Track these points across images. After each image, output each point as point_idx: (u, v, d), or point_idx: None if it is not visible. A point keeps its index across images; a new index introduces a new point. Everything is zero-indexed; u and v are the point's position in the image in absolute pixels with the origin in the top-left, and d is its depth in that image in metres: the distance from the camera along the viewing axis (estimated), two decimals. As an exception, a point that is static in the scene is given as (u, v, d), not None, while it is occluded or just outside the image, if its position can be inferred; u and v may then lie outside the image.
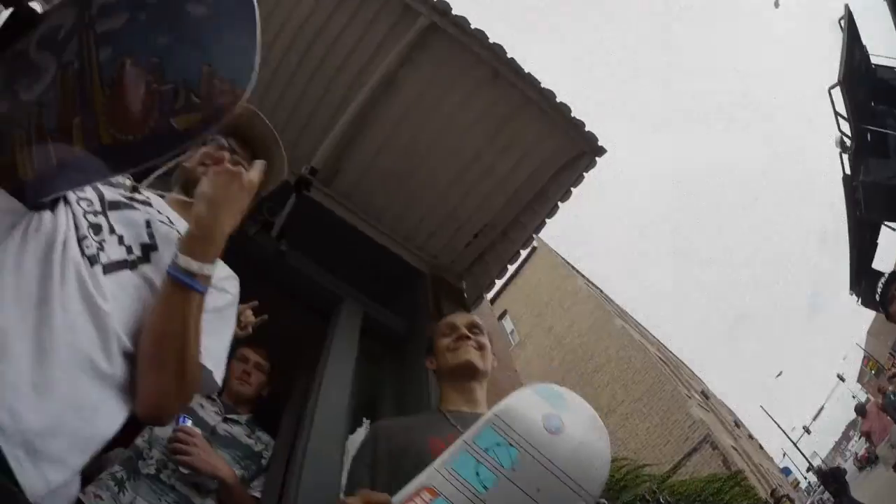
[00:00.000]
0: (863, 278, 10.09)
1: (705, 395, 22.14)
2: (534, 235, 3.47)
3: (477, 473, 1.18)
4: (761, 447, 29.54)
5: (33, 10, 0.84)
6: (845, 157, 8.65)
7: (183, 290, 0.93)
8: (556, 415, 1.26)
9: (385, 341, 3.02)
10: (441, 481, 1.16)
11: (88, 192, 0.99)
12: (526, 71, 2.88)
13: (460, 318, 1.89)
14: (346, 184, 3.18)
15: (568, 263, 20.64)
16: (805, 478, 33.14)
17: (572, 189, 3.25)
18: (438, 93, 2.97)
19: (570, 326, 19.97)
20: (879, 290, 3.44)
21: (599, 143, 3.11)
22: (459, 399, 1.74)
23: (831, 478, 13.78)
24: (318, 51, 2.98)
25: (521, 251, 3.51)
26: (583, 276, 21.92)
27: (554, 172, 3.23)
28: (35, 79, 0.83)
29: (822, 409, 44.79)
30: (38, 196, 0.87)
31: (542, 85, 2.93)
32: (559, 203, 3.30)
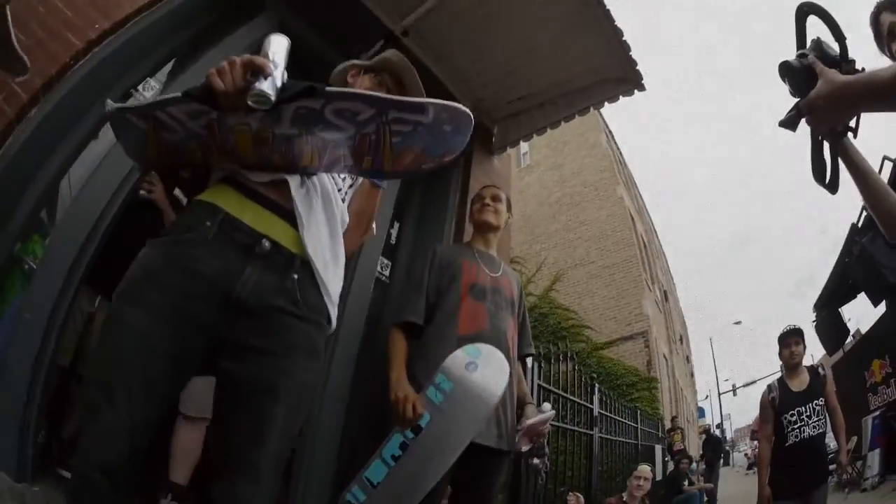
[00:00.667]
0: (825, 309, 10.16)
1: (666, 295, 22.61)
2: (563, 122, 4.25)
3: (435, 395, 2.28)
4: (692, 374, 30.07)
5: (314, 87, 1.34)
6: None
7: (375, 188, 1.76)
8: (473, 361, 2.30)
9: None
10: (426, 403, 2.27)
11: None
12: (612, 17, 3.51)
13: (487, 191, 2.94)
14: (428, 26, 3.68)
15: (601, 117, 20.13)
16: (712, 429, 33.39)
17: (606, 102, 4.02)
18: None
19: (577, 173, 20.17)
20: (784, 331, 4.28)
21: (643, 81, 3.82)
22: (480, 242, 2.87)
23: (710, 444, 14.17)
24: None
25: (549, 128, 4.30)
26: (610, 134, 21.63)
27: (599, 80, 3.95)
28: (330, 129, 1.40)
29: (755, 382, 43.48)
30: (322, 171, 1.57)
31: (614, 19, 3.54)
32: (591, 108, 4.10)
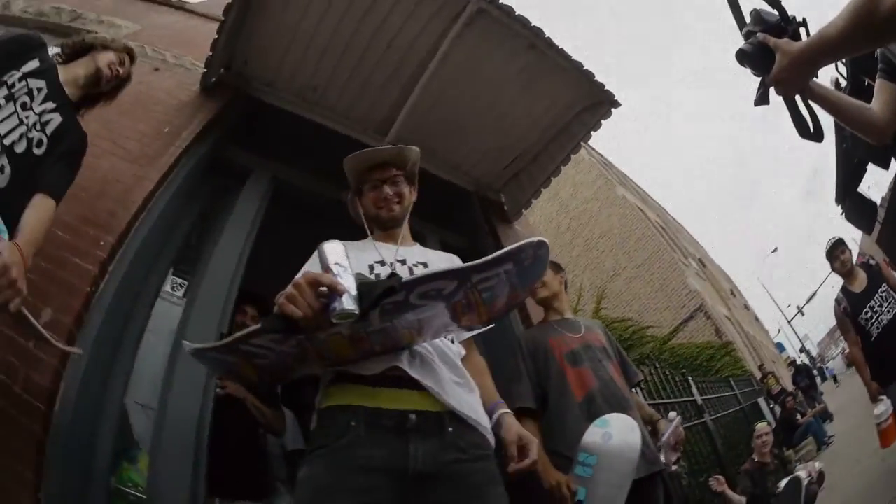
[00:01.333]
0: (846, 197, 10.36)
1: (702, 262, 22.34)
2: (561, 170, 4.37)
3: (583, 471, 2.32)
4: (757, 319, 29.58)
5: (393, 285, 1.36)
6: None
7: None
8: (606, 431, 2.37)
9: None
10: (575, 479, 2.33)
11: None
12: (556, 42, 3.59)
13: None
14: (407, 132, 3.85)
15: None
16: (798, 358, 32.33)
17: (592, 132, 4.10)
18: (482, 57, 3.65)
19: (573, 194, 20.41)
20: (828, 247, 4.49)
21: (615, 98, 3.92)
22: (553, 314, 2.97)
23: (800, 374, 14.41)
24: (381, 31, 3.56)
25: (552, 177, 4.41)
26: (586, 144, 21.68)
27: (576, 114, 4.04)
28: (420, 310, 1.44)
29: (814, 294, 43.45)
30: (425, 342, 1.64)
31: (569, 54, 3.66)
32: (582, 143, 4.19)
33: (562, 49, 3.65)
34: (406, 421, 1.50)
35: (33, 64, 2.02)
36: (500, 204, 4.65)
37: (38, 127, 1.98)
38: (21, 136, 1.90)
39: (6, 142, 1.84)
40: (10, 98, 1.89)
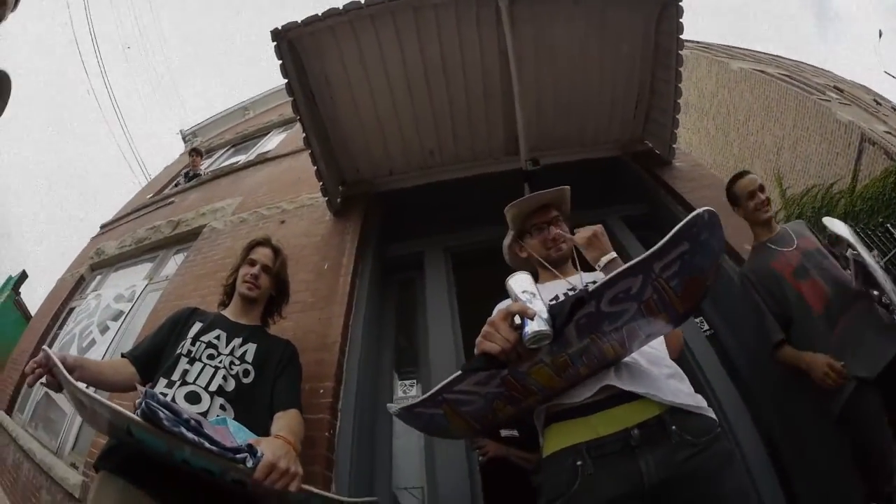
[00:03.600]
0: None
1: (838, 88, 20.66)
2: (680, 87, 4.00)
3: None
4: None
5: (580, 297, 1.33)
6: None
7: None
8: None
9: (644, 229, 3.91)
10: None
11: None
12: None
13: (749, 184, 2.95)
14: (534, 138, 3.81)
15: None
16: None
17: (681, 38, 3.76)
18: (545, 35, 3.56)
19: (700, 94, 19.44)
20: None
21: None
22: (765, 233, 2.91)
23: None
24: (447, 68, 3.58)
25: (678, 100, 4.06)
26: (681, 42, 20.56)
27: (654, 31, 3.81)
28: (616, 318, 1.38)
29: None
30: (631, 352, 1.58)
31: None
32: (680, 52, 3.83)
33: None
34: (629, 438, 1.46)
35: (196, 327, 2.23)
36: (651, 151, 4.39)
37: (236, 363, 2.15)
38: (225, 377, 2.07)
39: (212, 388, 2.02)
40: (192, 360, 2.09)
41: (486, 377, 1.43)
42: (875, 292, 2.44)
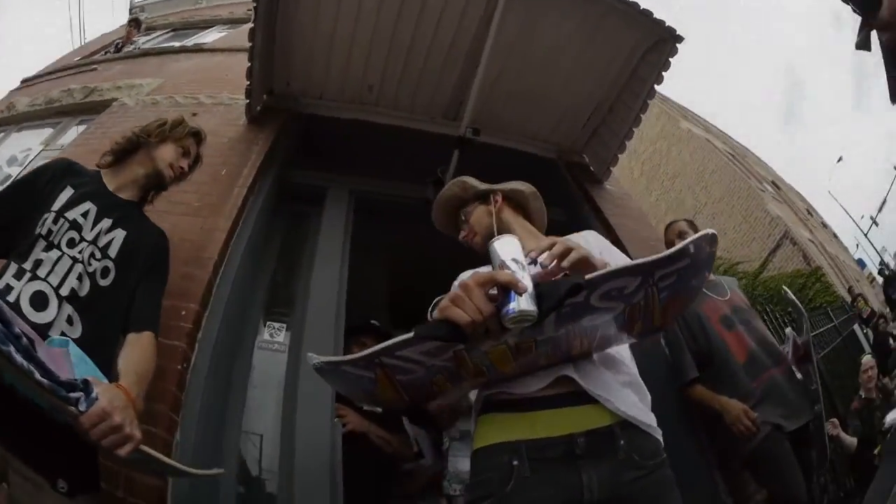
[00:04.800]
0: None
1: (776, 185, 21.64)
2: (641, 116, 3.99)
3: None
4: (835, 236, 28.84)
5: (579, 283, 1.16)
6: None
7: None
8: None
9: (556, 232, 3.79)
10: None
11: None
12: None
13: (676, 227, 3.10)
14: (476, 112, 3.55)
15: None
16: (879, 271, 31.56)
17: (663, 73, 3.73)
18: (536, 20, 3.39)
19: (640, 137, 19.23)
20: None
21: (677, 33, 3.56)
22: None
23: (890, 286, 13.80)
24: (424, 12, 3.32)
25: (633, 128, 4.04)
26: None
27: (641, 57, 3.72)
28: (598, 313, 1.26)
29: (885, 200, 42.30)
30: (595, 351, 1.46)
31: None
32: (655, 86, 3.79)
33: None
34: (574, 446, 1.32)
35: (66, 194, 1.79)
36: (586, 166, 4.31)
37: (97, 256, 1.75)
38: (80, 277, 1.67)
39: (63, 292, 1.62)
40: (50, 246, 1.67)
41: (438, 348, 1.24)
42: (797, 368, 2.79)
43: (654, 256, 1.19)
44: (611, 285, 1.20)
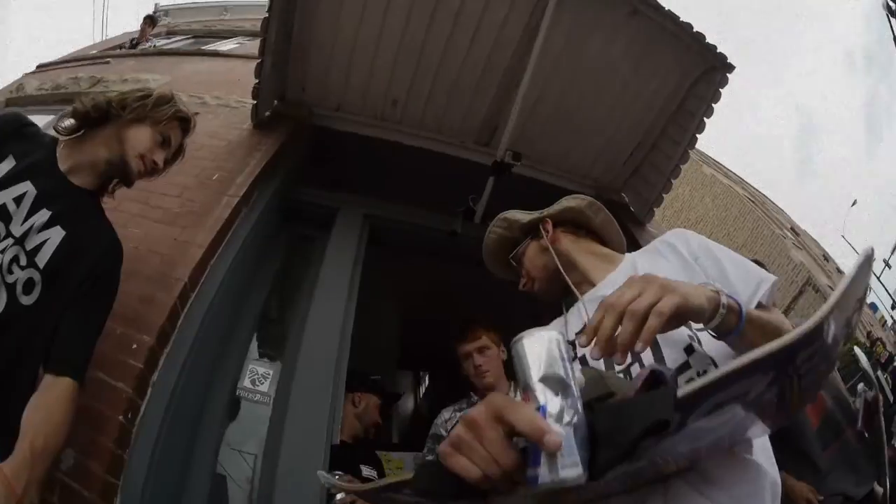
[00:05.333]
0: None
1: (795, 231, 21.42)
2: (689, 153, 3.65)
3: None
4: None
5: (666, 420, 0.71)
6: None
7: None
8: None
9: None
10: None
11: None
12: (660, 2, 2.97)
13: None
14: (512, 139, 3.19)
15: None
16: (891, 315, 31.10)
17: (713, 105, 3.41)
18: (582, 39, 3.06)
19: None
20: None
21: (728, 61, 3.25)
22: None
23: None
24: (458, 23, 3.00)
25: (680, 165, 3.70)
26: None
27: (689, 86, 3.40)
28: (696, 435, 0.84)
29: None
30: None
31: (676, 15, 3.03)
32: (704, 119, 3.46)
33: (668, 10, 3.02)
34: None
35: (4, 166, 1.39)
36: (626, 206, 3.93)
37: (21, 262, 1.33)
38: None
39: None
40: None
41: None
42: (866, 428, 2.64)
43: (797, 334, 0.71)
44: (724, 396, 0.74)
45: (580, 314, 1.37)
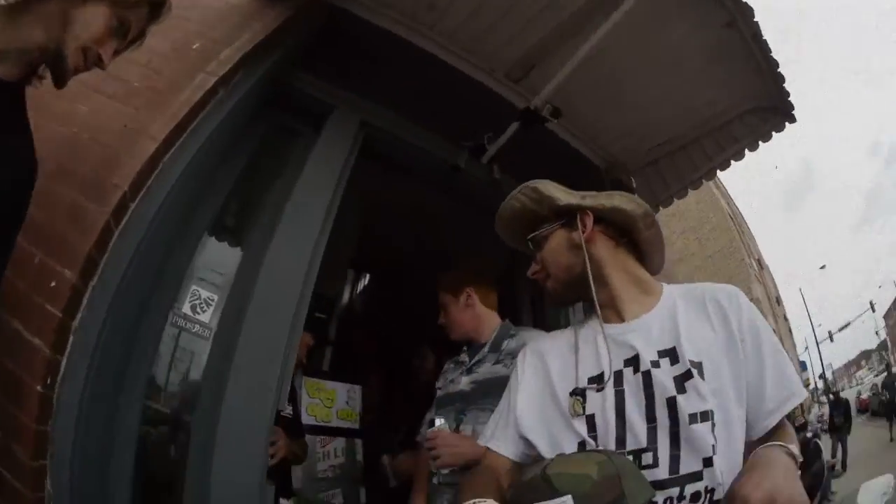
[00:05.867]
0: None
1: (760, 264, 21.79)
2: (718, 169, 3.54)
3: None
4: (790, 331, 29.55)
5: None
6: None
7: None
8: None
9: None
10: None
11: None
12: (760, 28, 2.72)
13: None
14: (547, 94, 2.95)
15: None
16: (815, 382, 32.20)
17: (760, 142, 3.28)
18: (667, 19, 2.74)
19: None
20: None
21: (792, 112, 3.10)
22: None
23: (842, 409, 14.30)
24: None
25: (705, 180, 3.62)
26: None
27: (741, 113, 3.23)
28: None
29: (847, 324, 45.02)
30: None
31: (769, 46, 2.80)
32: (746, 150, 3.35)
33: (764, 39, 2.78)
34: None
35: None
36: (632, 190, 3.67)
37: None
38: None
39: None
40: None
41: None
42: None
43: None
44: None
45: (597, 349, 1.25)
